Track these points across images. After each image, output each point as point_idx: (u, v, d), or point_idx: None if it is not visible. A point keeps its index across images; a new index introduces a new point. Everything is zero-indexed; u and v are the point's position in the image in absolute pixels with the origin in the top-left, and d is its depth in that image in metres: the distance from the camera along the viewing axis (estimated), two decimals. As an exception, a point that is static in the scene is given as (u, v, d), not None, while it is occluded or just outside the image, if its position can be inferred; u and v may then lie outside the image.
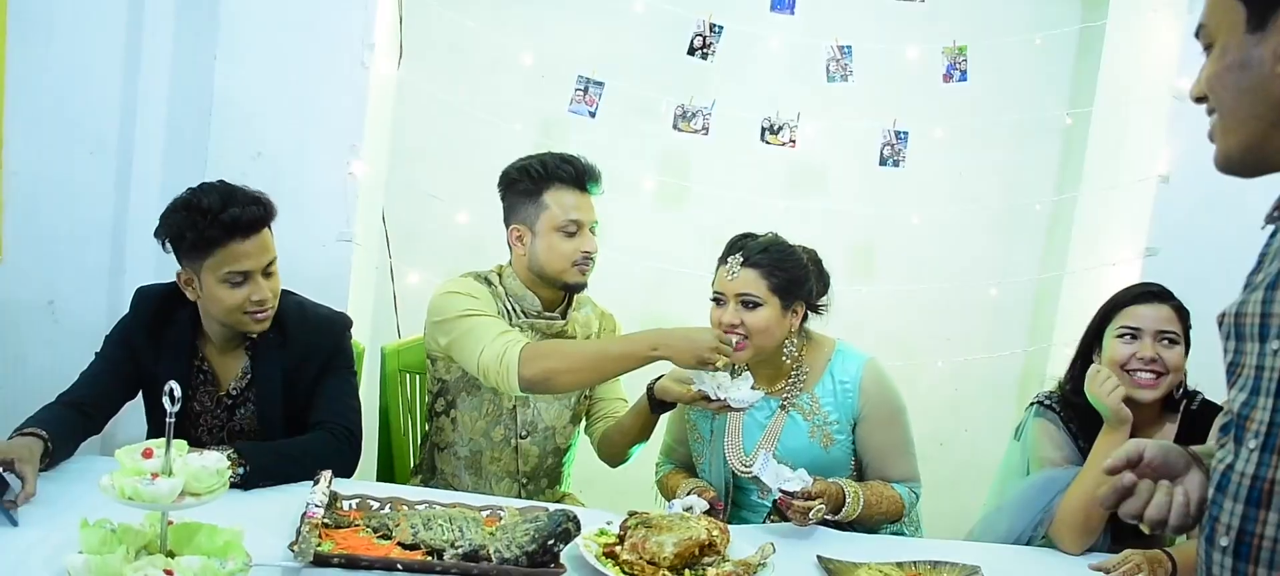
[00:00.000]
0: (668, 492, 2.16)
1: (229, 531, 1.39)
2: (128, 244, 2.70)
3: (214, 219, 1.80)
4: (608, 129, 2.97)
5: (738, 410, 1.97)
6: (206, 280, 1.84)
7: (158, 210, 1.89)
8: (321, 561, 1.43)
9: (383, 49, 2.72)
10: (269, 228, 1.88)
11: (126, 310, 1.96)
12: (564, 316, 2.23)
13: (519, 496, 2.17)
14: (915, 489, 2.06)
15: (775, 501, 1.86)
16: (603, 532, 1.67)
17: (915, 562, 1.74)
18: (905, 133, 2.98)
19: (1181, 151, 2.67)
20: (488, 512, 1.71)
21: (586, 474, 2.41)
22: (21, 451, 1.57)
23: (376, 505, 1.71)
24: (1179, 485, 1.12)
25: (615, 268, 2.53)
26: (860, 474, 2.08)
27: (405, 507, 1.69)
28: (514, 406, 2.18)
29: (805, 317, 2.09)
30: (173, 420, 1.31)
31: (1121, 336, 1.98)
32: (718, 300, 2.04)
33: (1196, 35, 1.09)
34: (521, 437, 2.20)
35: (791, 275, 2.02)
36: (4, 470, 1.53)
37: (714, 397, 1.93)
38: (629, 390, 2.28)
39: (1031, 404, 2.13)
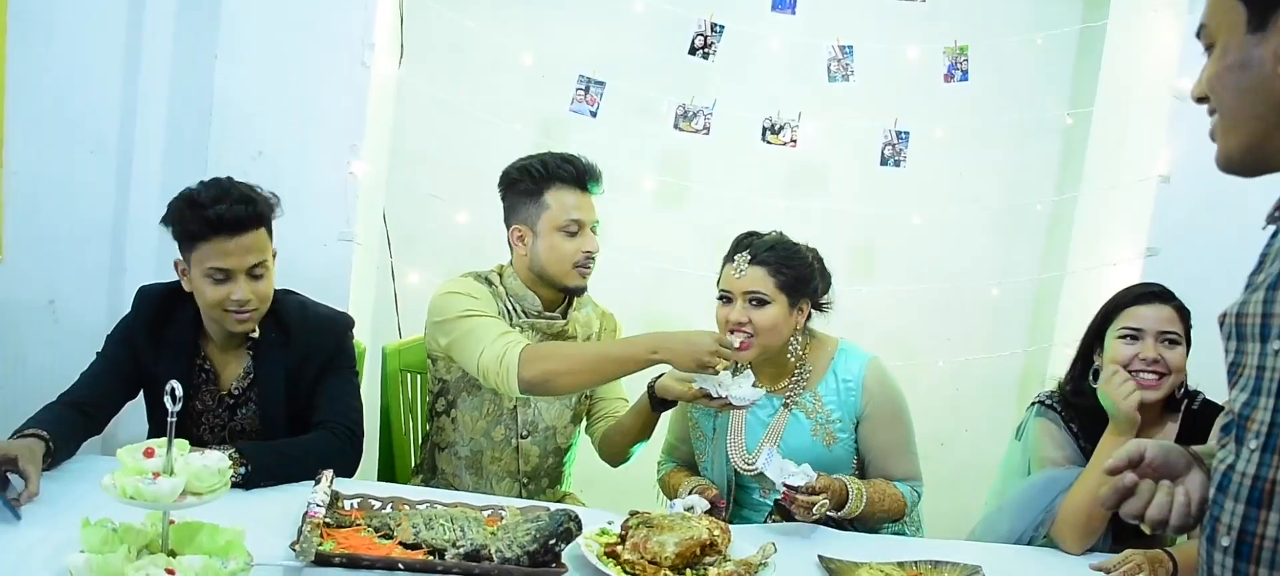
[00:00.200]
0: (669, 491, 2.16)
1: (230, 531, 1.39)
2: (128, 243, 2.70)
3: (200, 212, 1.81)
4: (608, 129, 2.97)
5: (739, 408, 1.97)
6: (194, 272, 1.85)
7: (158, 210, 1.89)
8: (323, 561, 1.43)
9: (383, 49, 2.72)
10: (263, 229, 1.86)
11: (127, 309, 1.97)
12: (564, 316, 2.23)
13: (520, 496, 2.17)
14: (917, 488, 2.06)
15: (778, 498, 1.86)
16: (604, 532, 1.67)
17: (916, 562, 1.74)
18: (906, 132, 2.98)
19: (1182, 151, 2.67)
20: (489, 512, 1.71)
21: (587, 474, 2.41)
22: (23, 451, 1.57)
23: (378, 504, 1.71)
24: (1180, 485, 1.12)
25: (616, 267, 2.53)
26: (862, 473, 2.08)
27: (407, 507, 1.69)
28: (515, 406, 2.18)
29: (809, 316, 2.09)
30: (174, 419, 1.31)
31: (1123, 337, 1.97)
32: (725, 298, 2.04)
33: (1197, 35, 1.09)
34: (522, 437, 2.20)
35: (799, 273, 2.02)
36: (6, 469, 1.53)
37: (715, 395, 1.94)
38: (629, 390, 2.28)
39: (1033, 403, 2.13)
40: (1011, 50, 3.13)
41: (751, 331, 1.98)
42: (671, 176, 3.28)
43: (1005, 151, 3.35)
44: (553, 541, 1.51)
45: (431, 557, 1.49)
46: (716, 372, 1.94)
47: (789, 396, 2.06)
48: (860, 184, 3.26)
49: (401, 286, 3.04)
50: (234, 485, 1.54)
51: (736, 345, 1.97)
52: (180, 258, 1.87)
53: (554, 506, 1.70)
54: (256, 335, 1.95)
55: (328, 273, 2.59)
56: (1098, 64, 3.13)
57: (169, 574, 1.28)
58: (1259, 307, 1.03)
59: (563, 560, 1.52)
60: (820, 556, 1.70)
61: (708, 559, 1.58)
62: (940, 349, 3.34)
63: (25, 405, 1.79)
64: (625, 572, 1.54)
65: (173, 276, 1.92)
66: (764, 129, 2.98)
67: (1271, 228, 1.07)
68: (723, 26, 2.88)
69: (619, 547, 1.60)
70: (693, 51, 2.90)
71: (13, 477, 1.53)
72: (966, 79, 2.95)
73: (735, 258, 2.03)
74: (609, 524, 1.69)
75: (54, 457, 1.66)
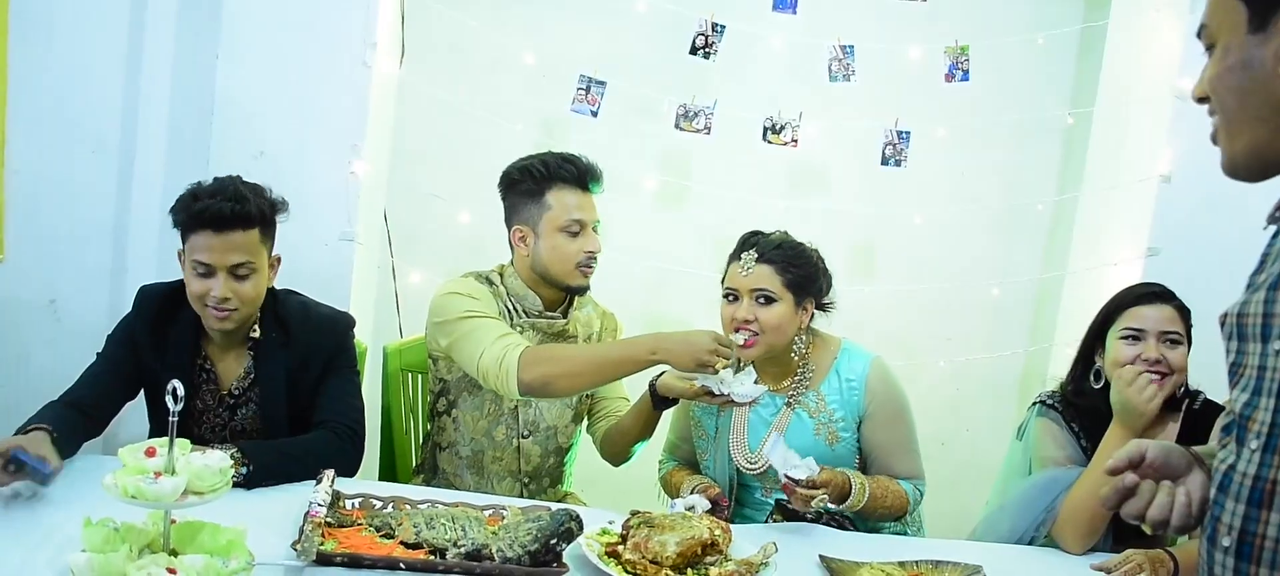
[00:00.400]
0: (671, 489, 2.16)
1: (232, 530, 1.39)
2: (129, 243, 2.70)
3: (191, 205, 1.83)
4: (608, 128, 2.97)
5: (741, 405, 1.97)
6: (185, 263, 1.87)
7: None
8: (324, 560, 1.43)
9: (384, 48, 2.72)
10: (256, 231, 1.86)
11: (128, 309, 1.97)
12: (565, 316, 2.23)
13: (521, 496, 2.18)
14: (920, 486, 2.06)
15: (779, 498, 1.86)
16: (605, 532, 1.67)
17: (917, 562, 1.74)
18: (907, 132, 2.98)
19: (1183, 151, 2.67)
20: (490, 512, 1.71)
21: (588, 473, 2.41)
22: (29, 442, 1.60)
23: (379, 504, 1.71)
24: (1181, 485, 1.12)
25: (616, 267, 2.53)
26: (865, 472, 2.08)
27: (408, 507, 1.69)
28: (516, 406, 2.18)
29: (812, 316, 2.09)
30: (175, 419, 1.32)
31: (1125, 337, 1.97)
32: (730, 296, 2.04)
33: (1198, 36, 1.08)
34: (523, 437, 2.20)
35: (805, 272, 2.02)
36: (16, 452, 1.55)
37: (717, 392, 1.94)
38: (630, 389, 2.28)
39: (1034, 403, 2.13)
40: (1012, 50, 3.13)
41: (757, 329, 1.99)
42: (672, 176, 3.28)
43: (1006, 151, 3.35)
44: (554, 541, 1.51)
45: (433, 557, 1.49)
46: (716, 372, 1.94)
47: (792, 396, 2.07)
48: (861, 184, 3.26)
49: (402, 286, 3.04)
50: (235, 485, 1.54)
51: (741, 343, 1.98)
52: (181, 248, 1.90)
53: (555, 506, 1.70)
54: (257, 335, 1.95)
55: (329, 272, 2.59)
56: (1099, 64, 3.13)
57: (170, 573, 1.28)
58: (1260, 308, 1.03)
59: (564, 559, 1.52)
60: (821, 556, 1.70)
61: (709, 558, 1.58)
62: (941, 349, 3.34)
63: (26, 405, 1.79)
64: (626, 572, 1.54)
65: (174, 276, 1.92)
66: (765, 129, 2.98)
67: (1272, 228, 1.07)
68: (724, 26, 2.88)
69: (620, 547, 1.60)
70: (694, 51, 2.90)
71: (30, 460, 1.55)
72: (967, 79, 2.95)
73: (742, 255, 2.03)
74: (610, 523, 1.69)
75: (58, 451, 1.66)
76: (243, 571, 1.33)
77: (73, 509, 1.48)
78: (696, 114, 2.94)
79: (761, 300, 1.99)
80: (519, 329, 2.15)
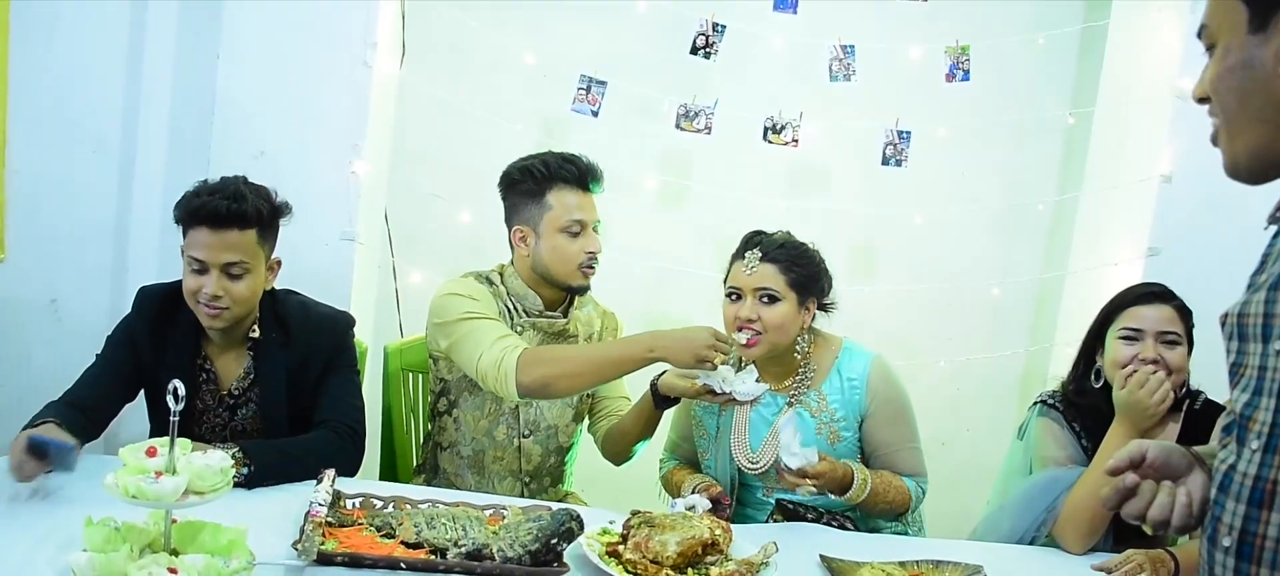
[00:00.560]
0: (672, 488, 2.16)
1: (233, 530, 1.39)
2: (130, 243, 2.70)
3: (189, 201, 1.84)
4: (609, 128, 2.97)
5: (743, 403, 1.97)
6: (184, 258, 1.87)
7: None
8: (325, 560, 1.43)
9: (385, 49, 2.73)
10: (253, 232, 1.86)
11: (129, 309, 1.97)
12: (566, 315, 2.23)
13: (522, 495, 2.18)
14: (923, 484, 2.06)
15: (780, 498, 1.86)
16: (606, 531, 1.67)
17: (918, 562, 1.74)
18: (908, 132, 2.98)
19: (1184, 151, 2.67)
20: (491, 511, 1.71)
21: (589, 473, 2.41)
22: (45, 429, 1.62)
23: (380, 504, 1.71)
24: (1181, 486, 1.12)
25: (616, 267, 2.53)
26: (868, 470, 2.08)
27: (408, 506, 1.69)
28: (516, 406, 2.18)
29: (814, 316, 2.09)
30: (176, 418, 1.32)
31: (1123, 337, 1.97)
32: (734, 295, 2.04)
33: (1198, 36, 1.08)
34: (524, 437, 2.20)
35: (808, 271, 2.03)
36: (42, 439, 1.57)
37: (719, 391, 1.94)
38: (631, 387, 2.28)
39: (1035, 403, 2.13)
40: (1013, 50, 3.13)
41: (759, 328, 1.99)
42: (673, 176, 3.28)
43: (1007, 151, 3.35)
44: (555, 540, 1.51)
45: (433, 557, 1.49)
46: (715, 367, 1.94)
47: (793, 395, 2.07)
48: (861, 184, 3.26)
49: (403, 286, 3.04)
50: (236, 485, 1.54)
51: (743, 343, 1.98)
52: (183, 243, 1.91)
53: (556, 505, 1.70)
54: (256, 335, 1.95)
55: (330, 272, 2.59)
56: (1099, 64, 3.13)
57: (171, 573, 1.28)
58: (1260, 308, 1.03)
59: (564, 559, 1.52)
60: (822, 556, 1.70)
61: (709, 558, 1.58)
62: (941, 349, 3.34)
63: (27, 404, 1.80)
64: (627, 572, 1.54)
65: (175, 276, 1.92)
66: (765, 129, 2.98)
67: (1273, 228, 1.07)
68: (724, 26, 2.88)
69: (621, 547, 1.60)
70: (694, 51, 2.90)
71: (51, 442, 1.57)
72: (968, 79, 2.95)
73: (746, 255, 2.03)
74: (611, 523, 1.69)
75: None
76: (244, 571, 1.33)
77: (74, 508, 1.48)
78: (697, 114, 2.94)
79: (765, 299, 1.99)
80: (519, 329, 2.15)
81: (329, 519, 1.57)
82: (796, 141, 2.98)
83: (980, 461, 3.13)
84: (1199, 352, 1.98)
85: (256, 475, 1.73)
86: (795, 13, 2.92)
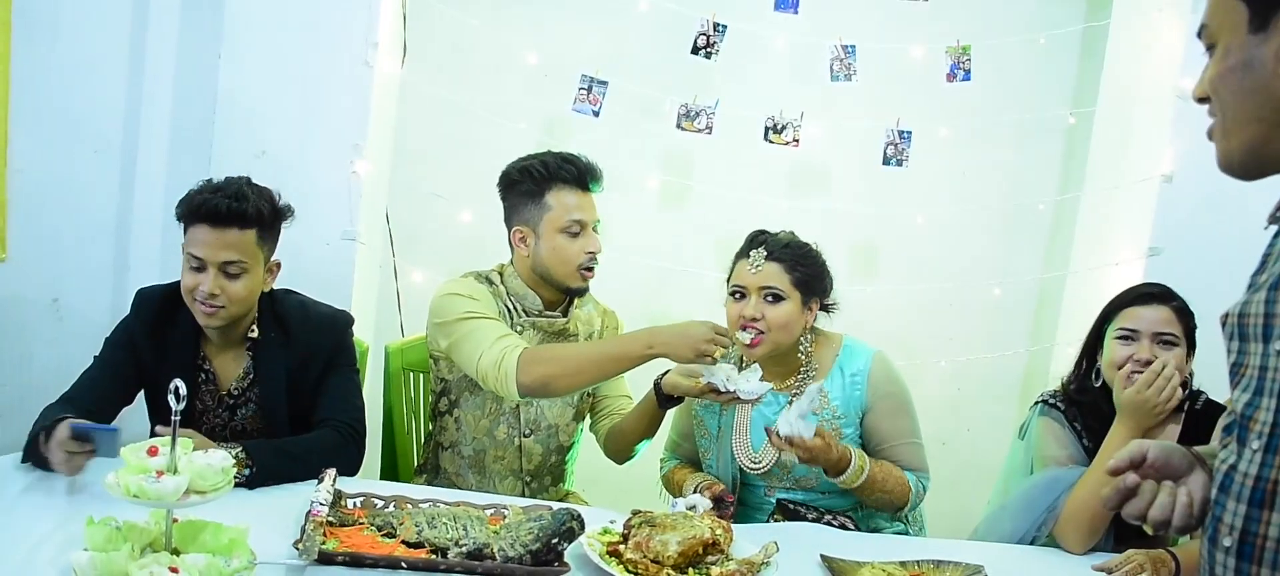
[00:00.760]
0: (673, 488, 2.16)
1: (234, 529, 1.39)
2: (132, 242, 2.71)
3: (190, 199, 1.85)
4: (610, 128, 2.98)
5: (747, 402, 1.98)
6: (183, 256, 1.88)
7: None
8: (326, 559, 1.43)
9: (386, 48, 2.73)
10: (253, 232, 1.86)
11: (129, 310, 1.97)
12: (566, 314, 2.23)
13: (523, 495, 2.18)
14: (924, 480, 2.06)
15: (780, 497, 1.86)
16: (606, 531, 1.67)
17: (918, 562, 1.74)
18: (909, 132, 2.98)
19: (1185, 151, 2.67)
20: (492, 511, 1.72)
21: (590, 472, 2.41)
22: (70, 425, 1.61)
23: (381, 503, 1.71)
24: (1182, 486, 1.12)
25: (617, 267, 2.54)
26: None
27: (409, 506, 1.70)
28: (517, 405, 2.18)
29: (816, 315, 2.09)
30: (178, 418, 1.32)
31: (1120, 337, 1.97)
32: (738, 293, 2.04)
33: (1198, 35, 1.08)
34: (525, 436, 2.20)
35: (812, 271, 2.03)
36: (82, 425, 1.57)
37: (723, 389, 1.94)
38: (632, 386, 2.28)
39: (1036, 402, 2.13)
40: (1014, 50, 3.13)
41: (763, 327, 1.99)
42: (674, 176, 3.28)
43: (1008, 151, 3.35)
44: (555, 540, 1.51)
45: (434, 556, 1.49)
46: (715, 361, 1.94)
47: (795, 394, 2.07)
48: (862, 184, 3.26)
49: (404, 285, 3.04)
50: (238, 485, 1.54)
51: (747, 342, 1.98)
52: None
53: (557, 505, 1.70)
54: (256, 334, 1.95)
55: (330, 272, 2.59)
56: (1100, 63, 3.13)
57: (173, 572, 1.28)
58: (1261, 308, 1.03)
59: (565, 559, 1.52)
60: (822, 556, 1.70)
61: (710, 558, 1.58)
62: (942, 348, 3.34)
63: (29, 403, 1.80)
64: (628, 571, 1.54)
65: (177, 276, 1.92)
66: (766, 128, 2.98)
67: (1274, 228, 1.07)
68: (725, 26, 2.89)
69: (621, 546, 1.60)
70: (695, 51, 2.90)
71: (90, 427, 1.57)
72: (969, 79, 2.95)
73: (750, 253, 2.04)
74: (611, 522, 1.69)
75: None
76: (244, 570, 1.34)
77: (75, 507, 1.49)
78: (698, 114, 2.94)
79: (769, 298, 2.00)
80: (519, 328, 2.15)
81: (330, 518, 1.58)
82: (797, 141, 2.98)
83: (981, 461, 3.13)
84: (1200, 352, 1.98)
85: (258, 476, 1.73)
86: (796, 12, 2.92)
